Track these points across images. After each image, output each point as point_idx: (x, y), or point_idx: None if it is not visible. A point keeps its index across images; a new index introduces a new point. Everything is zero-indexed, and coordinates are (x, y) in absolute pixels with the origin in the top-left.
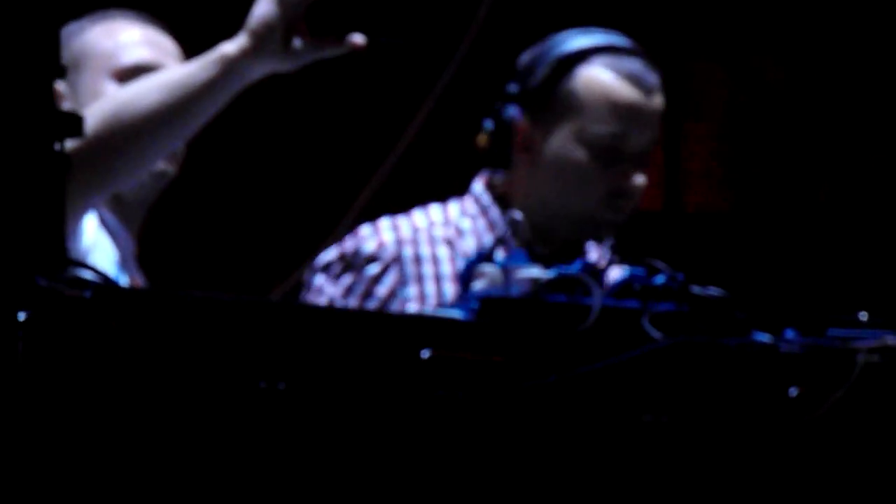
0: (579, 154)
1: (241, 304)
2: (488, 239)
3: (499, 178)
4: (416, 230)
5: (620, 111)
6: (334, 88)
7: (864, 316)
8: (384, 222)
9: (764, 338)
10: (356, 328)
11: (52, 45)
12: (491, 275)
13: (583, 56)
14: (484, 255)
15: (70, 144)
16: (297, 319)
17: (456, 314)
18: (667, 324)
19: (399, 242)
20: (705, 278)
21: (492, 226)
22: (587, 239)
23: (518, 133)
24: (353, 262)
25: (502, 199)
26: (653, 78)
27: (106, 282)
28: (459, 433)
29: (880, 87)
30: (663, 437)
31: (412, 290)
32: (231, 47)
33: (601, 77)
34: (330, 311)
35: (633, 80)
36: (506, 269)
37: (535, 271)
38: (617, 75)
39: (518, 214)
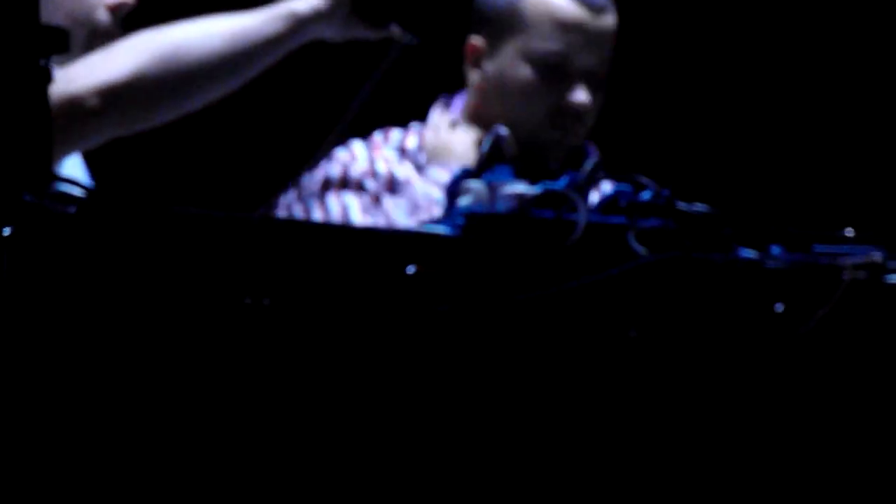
0: (523, 71)
1: (225, 220)
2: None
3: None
4: (384, 151)
5: (565, 29)
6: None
7: (850, 232)
8: (356, 144)
9: (749, 254)
10: (341, 243)
11: None
12: (476, 190)
13: None
14: (469, 171)
15: (108, 76)
16: (283, 235)
17: (441, 230)
18: (652, 240)
19: (372, 161)
20: (691, 194)
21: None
22: (535, 160)
23: (469, 51)
24: (345, 182)
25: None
26: (599, 1)
27: (91, 197)
28: (445, 350)
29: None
30: (649, 353)
31: (389, 202)
32: (303, 6)
33: None
34: (315, 226)
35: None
36: (491, 185)
37: (520, 187)
38: None
39: (503, 130)
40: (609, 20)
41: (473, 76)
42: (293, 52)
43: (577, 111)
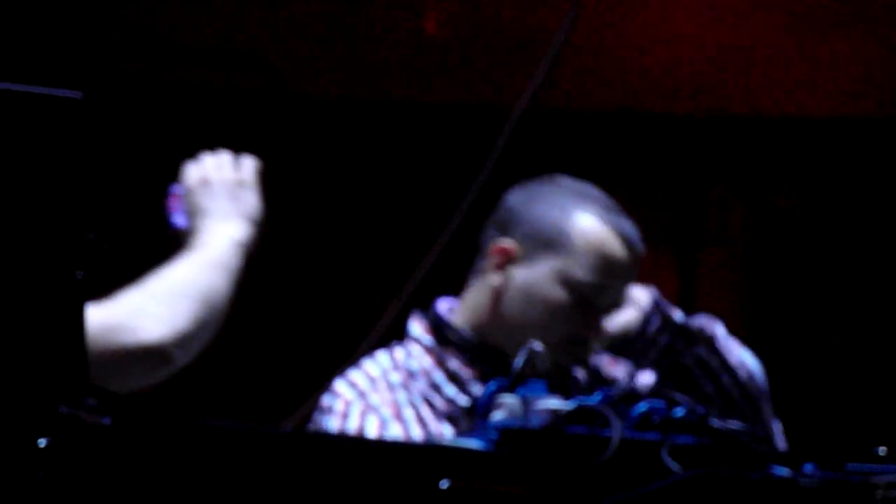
0: (556, 293)
1: (258, 434)
2: (438, 376)
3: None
4: (372, 380)
5: (608, 265)
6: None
7: (882, 450)
8: (341, 386)
9: (783, 471)
10: (375, 458)
11: (76, 173)
12: (510, 405)
13: (579, 201)
14: (503, 386)
15: (182, 329)
16: (315, 449)
17: (475, 444)
18: (686, 456)
19: (362, 395)
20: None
21: (439, 362)
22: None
23: (496, 252)
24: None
25: (441, 329)
26: (641, 246)
27: (126, 409)
28: None
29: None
30: None
31: (393, 429)
32: (242, 236)
33: (596, 227)
34: (348, 440)
35: (626, 240)
36: (525, 400)
37: (554, 402)
38: (611, 230)
39: (538, 345)
40: (638, 267)
41: (494, 278)
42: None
43: (589, 344)
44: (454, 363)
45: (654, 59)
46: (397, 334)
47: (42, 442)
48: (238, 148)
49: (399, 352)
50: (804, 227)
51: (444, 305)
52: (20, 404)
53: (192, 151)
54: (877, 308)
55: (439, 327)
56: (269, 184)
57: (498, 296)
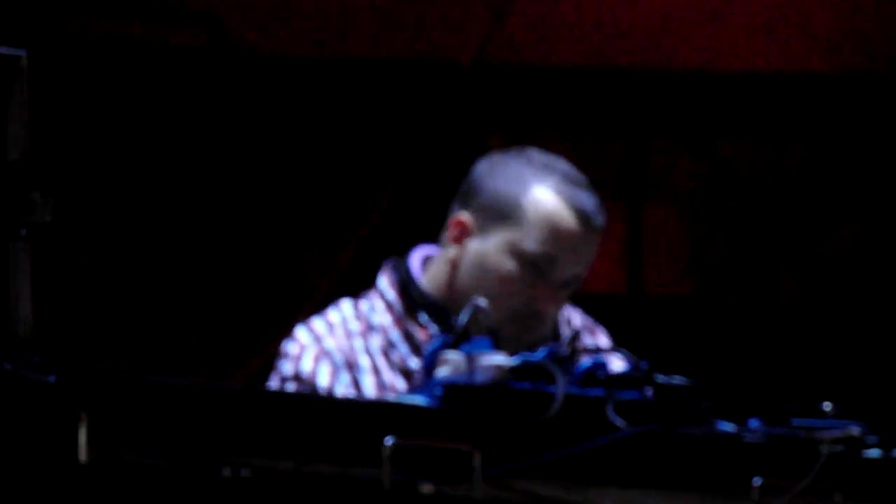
0: (507, 264)
1: (204, 390)
2: (394, 334)
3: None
4: (331, 326)
5: (559, 237)
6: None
7: (827, 406)
8: (300, 331)
9: (728, 427)
10: (320, 414)
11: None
12: (455, 361)
13: (540, 174)
14: (447, 342)
15: None
16: (261, 405)
17: (420, 400)
18: (630, 412)
19: (318, 339)
20: (668, 365)
21: (398, 321)
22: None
23: (454, 225)
24: (299, 381)
25: (408, 288)
26: (599, 219)
27: (70, 366)
28: None
29: (849, 170)
30: None
31: (344, 377)
32: None
33: (551, 199)
34: (294, 397)
35: (581, 213)
36: (470, 356)
37: (498, 358)
38: (567, 203)
39: (482, 301)
40: (597, 242)
41: (451, 250)
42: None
43: (543, 316)
44: (413, 326)
45: (604, 10)
46: (368, 283)
47: None
48: (184, 105)
49: (363, 303)
50: (748, 179)
51: (417, 258)
52: None
53: (136, 108)
54: (824, 260)
55: (407, 285)
56: (218, 142)
57: (454, 268)
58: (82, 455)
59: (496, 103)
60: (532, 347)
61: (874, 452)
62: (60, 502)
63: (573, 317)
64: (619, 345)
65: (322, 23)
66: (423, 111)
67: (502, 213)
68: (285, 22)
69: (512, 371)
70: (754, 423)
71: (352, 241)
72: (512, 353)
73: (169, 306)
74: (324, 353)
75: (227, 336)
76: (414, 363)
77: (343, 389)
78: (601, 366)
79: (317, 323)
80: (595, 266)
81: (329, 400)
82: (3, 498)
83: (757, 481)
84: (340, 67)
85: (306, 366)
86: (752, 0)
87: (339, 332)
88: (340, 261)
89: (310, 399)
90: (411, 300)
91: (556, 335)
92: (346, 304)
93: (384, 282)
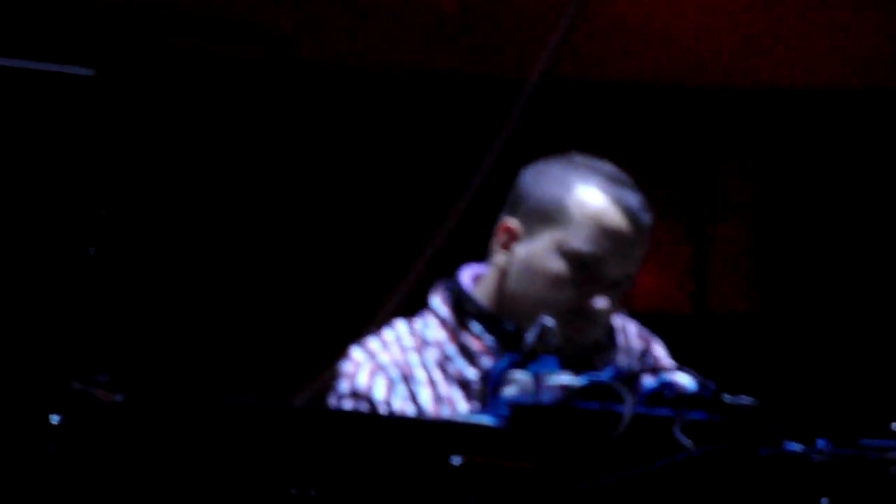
0: (555, 264)
1: (266, 410)
2: (450, 348)
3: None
4: (385, 343)
5: (606, 235)
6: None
7: None
8: (355, 350)
9: (796, 447)
10: (388, 434)
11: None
12: (522, 381)
13: (584, 175)
14: (514, 361)
15: None
16: (327, 426)
17: (487, 420)
18: (698, 433)
19: (372, 355)
20: (735, 384)
21: (453, 335)
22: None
23: (502, 231)
24: (356, 397)
25: (461, 302)
26: (645, 217)
27: (138, 385)
28: None
29: None
30: None
31: (401, 390)
32: None
33: (596, 198)
34: (360, 416)
35: (627, 210)
36: (537, 376)
37: (566, 378)
38: (612, 201)
39: (549, 321)
40: (645, 239)
41: (500, 257)
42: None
43: (594, 316)
44: (467, 337)
45: (669, 30)
46: (420, 304)
47: (55, 418)
48: (244, 117)
49: (418, 322)
50: (813, 200)
51: (467, 274)
52: (34, 381)
53: (199, 123)
54: (891, 280)
55: (459, 299)
56: (275, 154)
57: (504, 274)
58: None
59: (565, 119)
60: (589, 354)
61: None
62: None
63: (628, 326)
64: (684, 364)
65: (385, 34)
66: (489, 127)
67: (548, 215)
68: (347, 35)
69: (579, 391)
70: (822, 444)
71: (419, 261)
72: (576, 370)
73: (233, 326)
74: (379, 368)
75: (289, 356)
76: (471, 373)
77: (400, 402)
78: (668, 385)
79: (371, 342)
80: (661, 284)
81: (396, 418)
82: None
83: (824, 502)
84: (406, 81)
85: (362, 381)
86: (820, 21)
87: (394, 348)
88: (406, 282)
89: (379, 418)
90: (464, 313)
91: (611, 341)
92: (400, 324)
93: (437, 300)
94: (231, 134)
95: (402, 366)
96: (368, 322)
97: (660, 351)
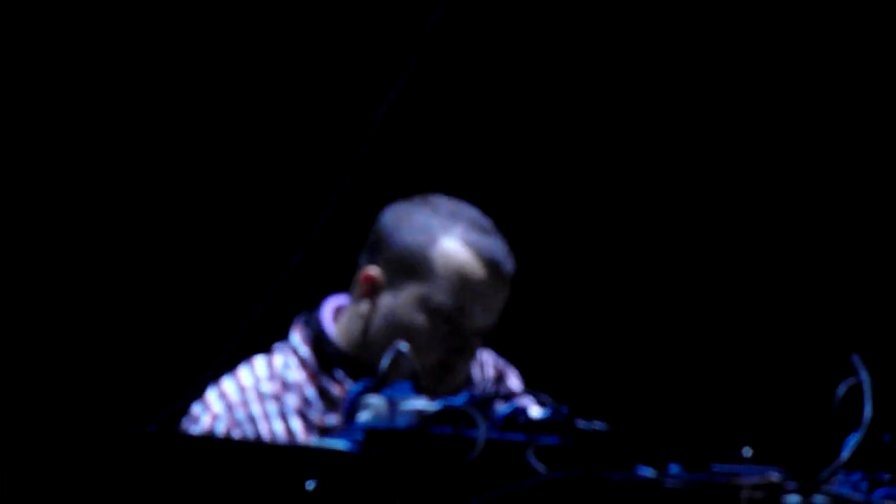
0: (419, 319)
1: (123, 435)
2: (310, 391)
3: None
4: (243, 390)
5: (469, 288)
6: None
7: (747, 452)
8: (211, 395)
9: (648, 472)
10: (241, 459)
11: None
12: (376, 405)
13: (447, 224)
14: (369, 387)
15: None
16: (181, 450)
17: (341, 445)
18: (551, 457)
19: (230, 408)
20: (589, 411)
21: (313, 377)
22: None
23: (363, 280)
24: None
25: (321, 343)
26: (508, 265)
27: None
28: None
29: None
30: None
31: None
32: None
33: (457, 250)
34: (215, 441)
35: (488, 260)
36: (391, 400)
37: (420, 402)
38: (473, 252)
39: (403, 346)
40: (508, 288)
41: (363, 305)
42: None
43: (456, 369)
44: (329, 382)
45: None
46: (282, 334)
47: None
48: None
49: (278, 358)
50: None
51: (328, 309)
52: None
53: None
54: (743, 306)
55: (320, 341)
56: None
57: (367, 323)
58: None
59: None
60: (451, 392)
61: (794, 499)
62: None
63: (486, 359)
64: (537, 387)
65: None
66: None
67: (411, 267)
68: None
69: (433, 416)
70: (675, 469)
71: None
72: (431, 395)
73: (92, 347)
74: (235, 425)
75: (146, 378)
76: (331, 420)
77: None
78: (522, 411)
79: (228, 387)
80: None
81: (250, 444)
82: None
83: None
84: None
85: (219, 434)
86: None
87: (252, 396)
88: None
89: (232, 443)
90: (326, 355)
91: (468, 379)
92: (259, 363)
93: (296, 337)
94: None
95: (260, 419)
96: (226, 340)
97: (514, 380)
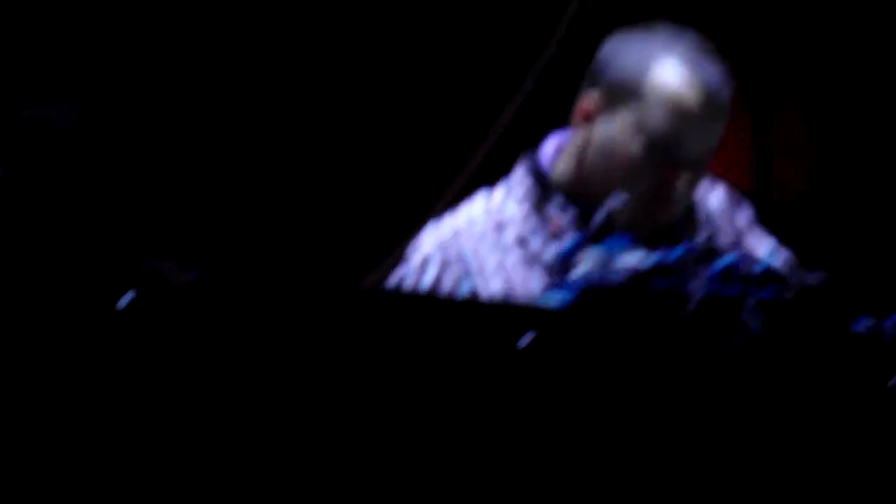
0: (633, 146)
1: (338, 293)
2: (529, 225)
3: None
4: (455, 227)
5: (682, 114)
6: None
7: None
8: (425, 234)
9: (866, 323)
10: (455, 316)
11: None
12: (592, 259)
13: (667, 49)
14: (584, 241)
15: None
16: (396, 308)
17: (555, 300)
18: (768, 310)
19: (441, 247)
20: (803, 263)
21: (532, 210)
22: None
23: (582, 106)
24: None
25: (541, 177)
26: (726, 92)
27: (208, 267)
28: (557, 419)
29: None
30: (768, 426)
31: (467, 285)
32: None
33: (674, 75)
34: (429, 299)
35: (707, 87)
36: (607, 254)
37: (636, 256)
38: (690, 78)
39: (619, 200)
40: (725, 115)
41: (580, 132)
42: None
43: (673, 197)
44: (546, 213)
45: None
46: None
47: (126, 299)
48: None
49: (497, 195)
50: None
51: (551, 146)
52: (105, 260)
53: None
54: None
55: (538, 173)
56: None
57: (583, 151)
58: None
59: None
60: (668, 234)
61: None
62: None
63: (711, 195)
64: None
65: None
66: None
67: (628, 92)
68: None
69: (649, 270)
70: (894, 319)
71: (490, 134)
72: (649, 247)
73: (298, 205)
74: (448, 262)
75: (359, 239)
76: (550, 252)
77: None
78: (743, 261)
79: (441, 225)
80: (723, 172)
81: (462, 301)
82: (158, 399)
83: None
84: None
85: (430, 275)
86: None
87: (464, 232)
88: (479, 153)
89: (445, 301)
90: (543, 188)
91: (690, 219)
92: (478, 201)
93: (519, 173)
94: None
95: (471, 255)
96: (443, 193)
97: (744, 216)
